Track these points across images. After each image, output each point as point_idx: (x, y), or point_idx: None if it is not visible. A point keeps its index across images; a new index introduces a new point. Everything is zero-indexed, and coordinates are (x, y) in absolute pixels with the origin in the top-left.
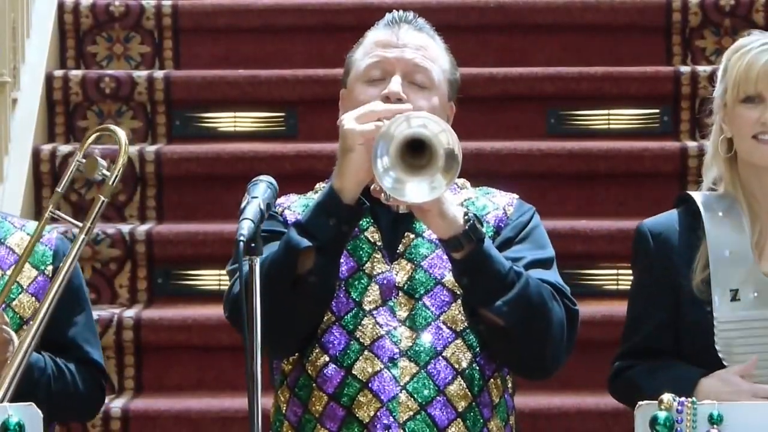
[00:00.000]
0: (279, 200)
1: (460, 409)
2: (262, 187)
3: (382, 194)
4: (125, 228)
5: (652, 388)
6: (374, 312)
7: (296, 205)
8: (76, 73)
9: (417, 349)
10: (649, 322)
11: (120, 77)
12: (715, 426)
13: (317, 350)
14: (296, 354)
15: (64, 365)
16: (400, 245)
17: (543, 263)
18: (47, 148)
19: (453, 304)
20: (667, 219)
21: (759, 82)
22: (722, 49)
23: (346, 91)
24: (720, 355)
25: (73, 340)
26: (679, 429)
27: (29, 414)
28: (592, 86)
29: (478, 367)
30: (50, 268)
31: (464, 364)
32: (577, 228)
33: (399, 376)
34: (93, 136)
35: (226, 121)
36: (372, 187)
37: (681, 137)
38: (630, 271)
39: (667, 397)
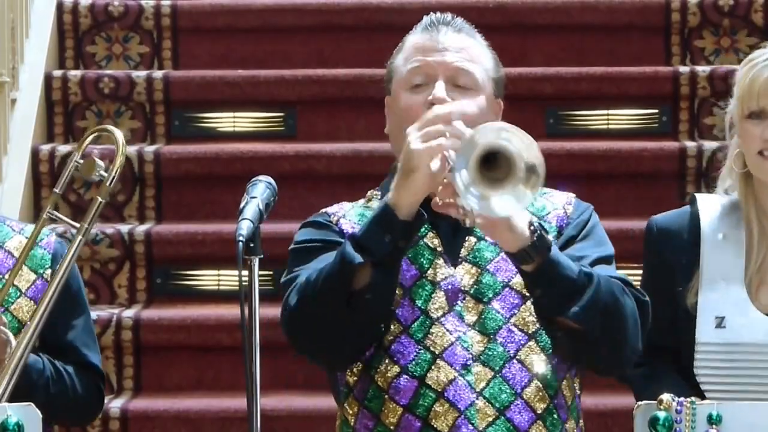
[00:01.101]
0: (331, 209)
1: (539, 411)
2: (261, 187)
3: (460, 217)
4: (124, 228)
5: (644, 398)
6: (442, 319)
7: (351, 214)
8: (75, 74)
9: (490, 353)
10: (656, 319)
11: (119, 77)
12: (714, 426)
13: (386, 361)
14: (359, 364)
15: (63, 368)
16: (462, 249)
17: (606, 260)
18: (46, 148)
19: (522, 306)
20: (677, 218)
21: (761, 98)
22: (721, 50)
23: (391, 99)
24: (698, 378)
25: (71, 343)
26: (678, 429)
27: (28, 414)
28: (591, 86)
29: (552, 369)
30: (49, 271)
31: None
32: None
33: (474, 383)
34: (91, 137)
35: (225, 121)
36: (433, 201)
37: (680, 137)
38: (629, 271)
39: (666, 397)
